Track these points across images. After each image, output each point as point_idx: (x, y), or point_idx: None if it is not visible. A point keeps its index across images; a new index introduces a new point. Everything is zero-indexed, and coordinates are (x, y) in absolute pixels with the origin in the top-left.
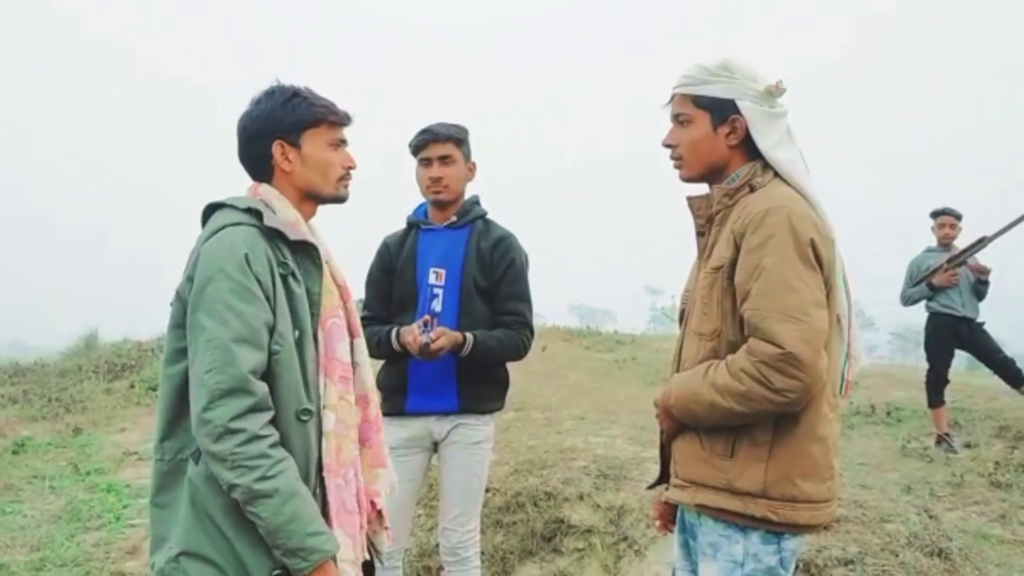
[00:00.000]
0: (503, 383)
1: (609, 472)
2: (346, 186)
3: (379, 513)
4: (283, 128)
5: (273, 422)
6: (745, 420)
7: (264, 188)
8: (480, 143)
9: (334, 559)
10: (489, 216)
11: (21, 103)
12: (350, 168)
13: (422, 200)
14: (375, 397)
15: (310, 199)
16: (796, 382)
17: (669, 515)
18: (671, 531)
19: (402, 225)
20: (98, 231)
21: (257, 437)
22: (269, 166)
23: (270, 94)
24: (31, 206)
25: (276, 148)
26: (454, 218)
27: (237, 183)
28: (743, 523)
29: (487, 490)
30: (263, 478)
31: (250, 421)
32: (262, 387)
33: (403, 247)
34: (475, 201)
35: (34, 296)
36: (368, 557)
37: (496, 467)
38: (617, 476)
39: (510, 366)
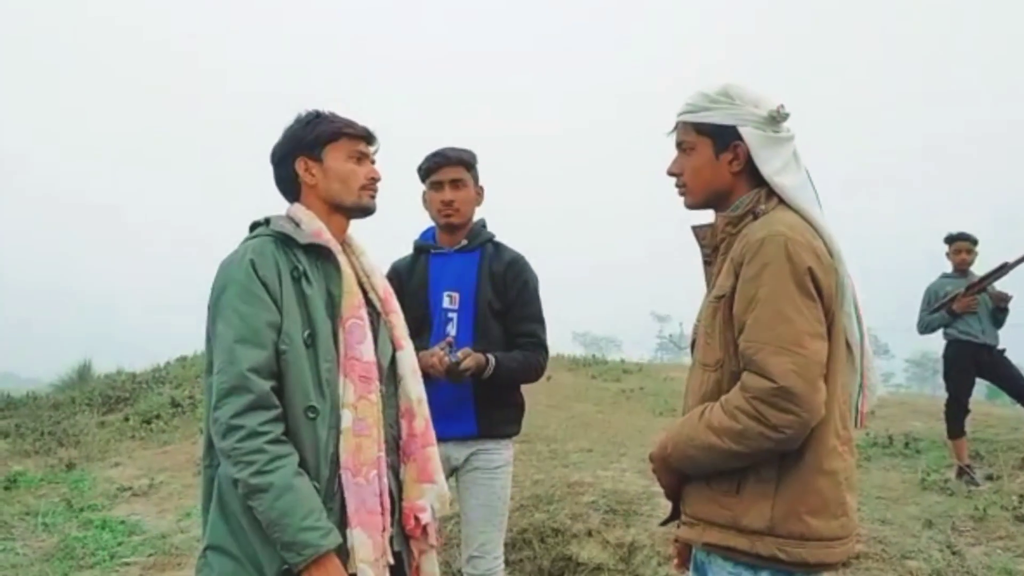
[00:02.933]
0: (520, 407)
1: (618, 507)
2: (371, 196)
3: (424, 529)
4: (305, 145)
5: (284, 419)
6: (745, 461)
7: (294, 206)
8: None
9: (342, 556)
10: (497, 238)
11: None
12: (374, 179)
13: (430, 224)
14: (422, 411)
15: (338, 211)
16: (792, 417)
17: (687, 553)
18: (688, 570)
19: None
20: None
21: (255, 433)
22: (297, 185)
23: (294, 120)
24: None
25: (300, 164)
26: (465, 241)
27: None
28: (752, 562)
29: None
30: (259, 472)
31: (249, 418)
32: (262, 385)
33: (414, 272)
34: (483, 224)
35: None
36: (392, 562)
37: None
38: (627, 511)
39: None
